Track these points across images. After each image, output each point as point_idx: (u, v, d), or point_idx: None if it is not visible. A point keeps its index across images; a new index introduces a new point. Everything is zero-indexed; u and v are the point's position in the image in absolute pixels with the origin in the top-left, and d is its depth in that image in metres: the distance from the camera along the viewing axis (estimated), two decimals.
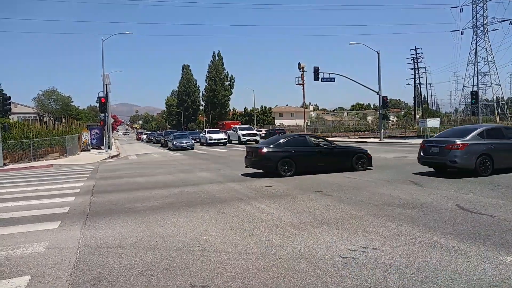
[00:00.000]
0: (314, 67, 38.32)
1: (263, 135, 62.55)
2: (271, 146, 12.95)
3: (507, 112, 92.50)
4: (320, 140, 13.94)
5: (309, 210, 8.32)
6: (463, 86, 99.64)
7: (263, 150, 12.78)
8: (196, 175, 15.07)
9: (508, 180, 10.81)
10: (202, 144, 41.79)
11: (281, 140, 13.14)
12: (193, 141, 35.18)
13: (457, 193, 9.45)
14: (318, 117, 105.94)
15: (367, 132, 56.66)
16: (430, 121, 41.48)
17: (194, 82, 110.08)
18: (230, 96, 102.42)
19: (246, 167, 13.74)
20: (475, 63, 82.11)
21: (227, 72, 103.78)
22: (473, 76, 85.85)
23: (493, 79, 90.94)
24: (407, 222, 7.08)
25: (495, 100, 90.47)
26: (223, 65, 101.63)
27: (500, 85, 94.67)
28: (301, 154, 13.02)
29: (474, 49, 79.86)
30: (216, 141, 39.98)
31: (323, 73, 38.40)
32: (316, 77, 38.12)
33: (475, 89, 50.25)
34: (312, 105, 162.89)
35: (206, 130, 44.26)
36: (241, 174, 14.41)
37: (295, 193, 10.24)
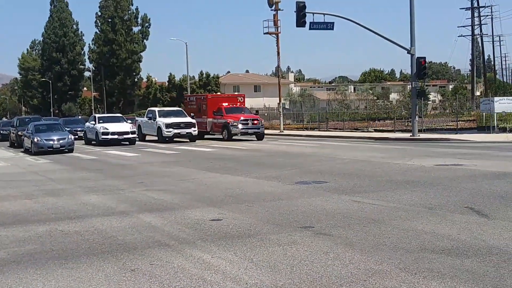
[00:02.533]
0: (298, 3, 32.78)
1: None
2: None
3: None
4: None
5: (291, 263, 7.22)
6: None
7: None
8: (79, 199, 13.38)
9: None
10: (89, 142, 36.70)
11: None
12: (72, 138, 30.84)
13: None
14: (304, 94, 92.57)
15: (390, 120, 50.01)
16: (499, 101, 36.07)
17: (74, 26, 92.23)
18: (142, 54, 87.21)
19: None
20: None
21: (136, 9, 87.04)
22: None
23: None
24: (466, 282, 6.26)
25: None
26: None
27: None
28: None
29: None
30: (115, 136, 34.11)
31: (314, 13, 33.17)
32: (300, 21, 32.70)
33: None
34: (293, 72, 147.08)
35: (97, 116, 38.04)
36: (165, 199, 12.83)
37: (266, 230, 9.17)
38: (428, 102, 71.39)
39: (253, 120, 35.40)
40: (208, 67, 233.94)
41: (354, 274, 6.71)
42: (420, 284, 6.28)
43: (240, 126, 34.71)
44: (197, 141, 36.03)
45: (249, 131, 35.18)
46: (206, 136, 39.46)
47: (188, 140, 36.09)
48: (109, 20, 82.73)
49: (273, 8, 44.92)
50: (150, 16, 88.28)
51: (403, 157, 20.78)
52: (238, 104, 39.01)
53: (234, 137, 35.57)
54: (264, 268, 7.06)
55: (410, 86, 36.39)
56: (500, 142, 28.04)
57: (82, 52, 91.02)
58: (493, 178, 14.14)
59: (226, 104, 37.74)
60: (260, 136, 35.61)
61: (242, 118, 35.05)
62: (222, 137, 36.17)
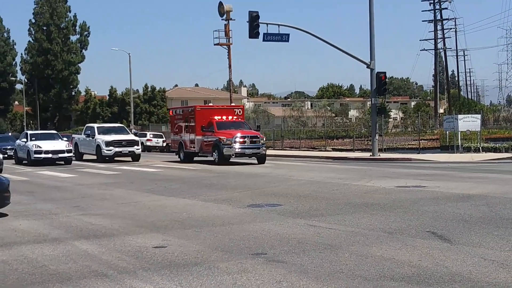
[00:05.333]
0: (250, 13, 32.87)
1: (151, 142, 56.24)
2: None
3: None
4: None
5: None
6: None
7: None
8: (7, 225, 13.02)
9: None
10: (20, 161, 36.04)
11: None
12: (0, 157, 29.95)
13: None
14: (258, 110, 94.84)
15: (349, 139, 50.82)
16: (463, 119, 36.86)
17: (5, 34, 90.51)
18: (80, 65, 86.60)
19: None
20: None
21: (74, 17, 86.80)
22: None
23: None
24: None
25: None
26: (65, 1, 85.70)
27: None
28: None
29: None
30: (49, 156, 33.46)
31: (268, 24, 33.60)
32: (253, 32, 32.86)
33: None
34: (246, 86, 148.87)
35: (30, 133, 37.28)
36: (103, 224, 12.63)
37: (214, 258, 9.07)
38: (389, 119, 72.89)
39: (251, 137, 30.04)
40: (153, 80, 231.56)
41: None
42: None
43: (236, 145, 29.32)
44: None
45: (247, 151, 29.81)
46: (196, 159, 33.79)
47: (130, 160, 35.55)
48: (44, 28, 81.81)
49: (224, 17, 45.08)
50: (90, 24, 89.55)
51: (363, 178, 21.00)
52: (235, 118, 32.95)
53: (230, 160, 30.65)
54: None
55: (370, 102, 36.81)
56: (464, 163, 28.65)
57: (14, 62, 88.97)
58: (456, 200, 14.36)
59: (219, 117, 32.06)
60: (261, 159, 30.47)
61: (238, 135, 29.71)
62: (213, 159, 30.66)
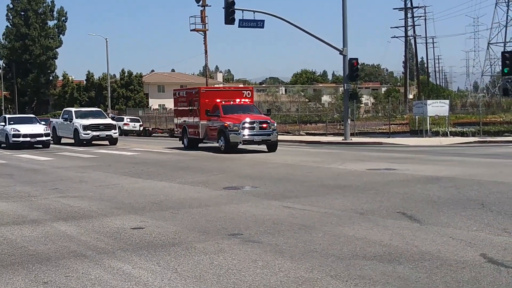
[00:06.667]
0: None
1: (128, 127, 55.44)
2: None
3: None
4: None
5: (218, 273, 7.16)
6: (489, 44, 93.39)
7: None
8: None
9: None
10: None
11: None
12: None
13: (481, 233, 8.90)
14: None
15: (322, 124, 50.59)
16: (432, 104, 37.26)
17: None
18: (57, 50, 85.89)
19: None
20: (509, 1, 71.25)
21: (52, 2, 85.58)
22: (506, 26, 77.03)
23: None
24: None
25: None
26: None
27: None
28: None
29: None
30: (27, 139, 33.30)
31: (243, 10, 33.44)
32: (229, 18, 32.70)
33: (510, 49, 40.97)
34: (222, 72, 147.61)
35: (8, 117, 37.11)
36: (82, 206, 12.49)
37: (191, 238, 9.05)
38: (361, 105, 73.11)
39: (260, 123, 26.04)
40: (130, 65, 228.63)
41: (284, 282, 6.75)
42: None
43: (244, 132, 25.50)
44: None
45: (256, 138, 25.78)
46: (200, 145, 30.19)
47: (108, 143, 35.31)
48: (22, 13, 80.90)
49: (200, 3, 44.96)
50: (67, 9, 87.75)
51: (335, 161, 21.08)
52: (243, 101, 29.22)
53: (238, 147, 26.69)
54: (189, 279, 7.02)
55: (343, 88, 36.63)
56: (433, 146, 28.99)
57: None
58: (425, 182, 14.50)
59: (225, 100, 28.30)
60: (272, 146, 26.40)
61: (247, 120, 25.81)
62: (218, 146, 26.61)
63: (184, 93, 32.66)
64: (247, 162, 21.79)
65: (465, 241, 8.39)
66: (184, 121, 30.96)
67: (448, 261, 7.37)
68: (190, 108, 30.32)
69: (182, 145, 30.93)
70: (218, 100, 28.21)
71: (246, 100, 29.37)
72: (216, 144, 27.42)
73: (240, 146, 27.04)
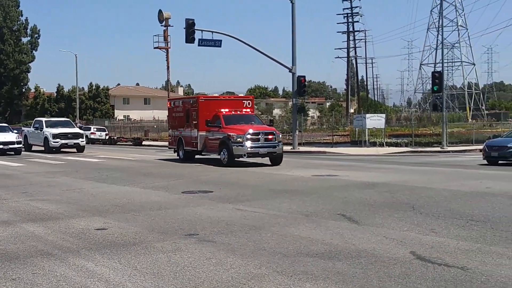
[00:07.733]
0: (187, 20, 32.76)
1: (95, 135, 54.59)
2: None
3: (483, 107, 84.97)
4: None
5: (174, 270, 7.09)
6: (421, 64, 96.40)
7: None
8: None
9: (485, 211, 10.92)
10: None
11: None
12: None
13: (412, 233, 9.01)
14: None
15: None
16: (370, 118, 37.71)
17: None
18: (30, 64, 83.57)
19: None
20: (438, 27, 73.40)
21: (26, 20, 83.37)
22: (436, 49, 78.69)
23: (464, 54, 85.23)
24: (337, 284, 6.43)
25: (466, 87, 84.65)
26: (18, 5, 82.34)
27: (474, 64, 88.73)
28: None
29: (439, 4, 67.36)
30: (0, 146, 32.12)
31: (202, 30, 33.46)
32: (189, 37, 32.65)
33: (439, 70, 41.27)
34: (182, 86, 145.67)
35: None
36: (49, 208, 12.17)
37: (150, 238, 8.96)
38: (308, 117, 73.84)
39: (266, 134, 22.64)
40: (98, 79, 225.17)
41: (235, 278, 6.75)
42: (295, 286, 6.39)
43: (247, 144, 21.96)
44: (92, 152, 34.64)
45: (261, 151, 22.35)
46: (197, 157, 26.26)
47: (75, 151, 34.68)
48: None
49: (163, 24, 44.52)
50: (40, 27, 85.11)
51: (284, 168, 21.18)
52: (244, 111, 25.33)
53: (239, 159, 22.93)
54: (147, 275, 6.94)
55: (292, 102, 36.83)
56: (370, 155, 29.37)
57: None
58: (363, 187, 14.62)
59: (226, 110, 24.45)
60: (276, 159, 22.88)
61: (250, 131, 22.30)
62: (220, 159, 22.83)
63: (180, 102, 28.44)
64: (204, 169, 21.60)
65: (397, 240, 8.46)
66: (180, 132, 26.96)
67: (381, 258, 7.42)
68: (187, 118, 26.21)
69: (177, 157, 26.89)
70: (219, 110, 24.39)
71: (247, 110, 25.64)
72: (216, 156, 24.09)
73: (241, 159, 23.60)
